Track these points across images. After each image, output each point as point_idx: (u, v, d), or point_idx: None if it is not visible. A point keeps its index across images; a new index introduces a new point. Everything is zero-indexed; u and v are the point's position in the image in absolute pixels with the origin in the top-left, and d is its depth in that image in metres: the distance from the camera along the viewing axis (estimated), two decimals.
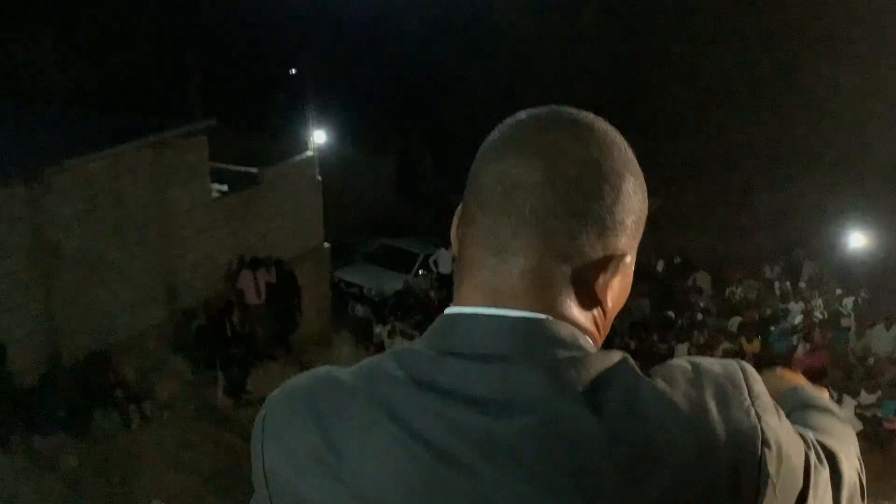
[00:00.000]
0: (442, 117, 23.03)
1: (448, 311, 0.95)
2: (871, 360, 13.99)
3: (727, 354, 13.47)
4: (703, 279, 18.05)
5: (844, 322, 15.73)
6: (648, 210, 0.99)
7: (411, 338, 14.95)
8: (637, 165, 0.98)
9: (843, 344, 14.99)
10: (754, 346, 13.86)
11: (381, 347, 14.80)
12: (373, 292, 17.75)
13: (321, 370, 0.98)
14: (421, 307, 17.37)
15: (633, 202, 0.95)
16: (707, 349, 13.97)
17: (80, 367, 11.10)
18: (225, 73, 21.04)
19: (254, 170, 14.28)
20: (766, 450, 0.89)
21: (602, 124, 0.96)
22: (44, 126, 12.43)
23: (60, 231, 10.93)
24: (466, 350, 0.90)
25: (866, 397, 12.29)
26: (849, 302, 16.68)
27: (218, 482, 10.61)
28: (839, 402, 11.60)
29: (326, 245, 15.88)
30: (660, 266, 19.17)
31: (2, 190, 10.31)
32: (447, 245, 18.69)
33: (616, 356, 0.90)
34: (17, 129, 12.08)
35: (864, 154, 19.60)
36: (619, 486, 0.83)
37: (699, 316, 16.18)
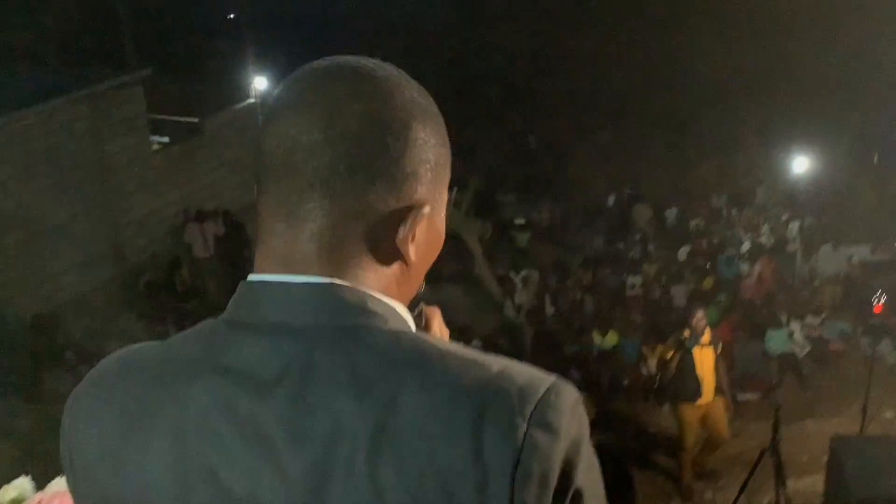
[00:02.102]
0: (388, 56, 22.67)
1: (249, 277, 0.90)
2: (816, 283, 14.30)
3: (679, 287, 13.69)
4: (643, 212, 18.20)
5: (790, 247, 16.05)
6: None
7: None
8: (431, 110, 0.92)
9: (790, 268, 15.31)
10: (707, 282, 14.05)
11: None
12: None
13: (133, 348, 0.93)
14: None
15: (424, 150, 0.89)
16: (657, 281, 14.16)
17: (27, 331, 10.89)
18: (160, 18, 20.39)
19: (195, 119, 13.97)
20: (520, 473, 0.77)
21: (385, 71, 0.91)
22: None
23: None
24: (254, 320, 0.85)
25: (812, 319, 12.57)
26: (794, 226, 17.00)
27: None
28: (787, 325, 11.90)
29: None
30: (610, 201, 19.29)
31: None
32: None
33: (408, 336, 0.85)
34: None
35: (807, 80, 19.80)
36: (364, 484, 0.77)
37: (649, 248, 16.35)
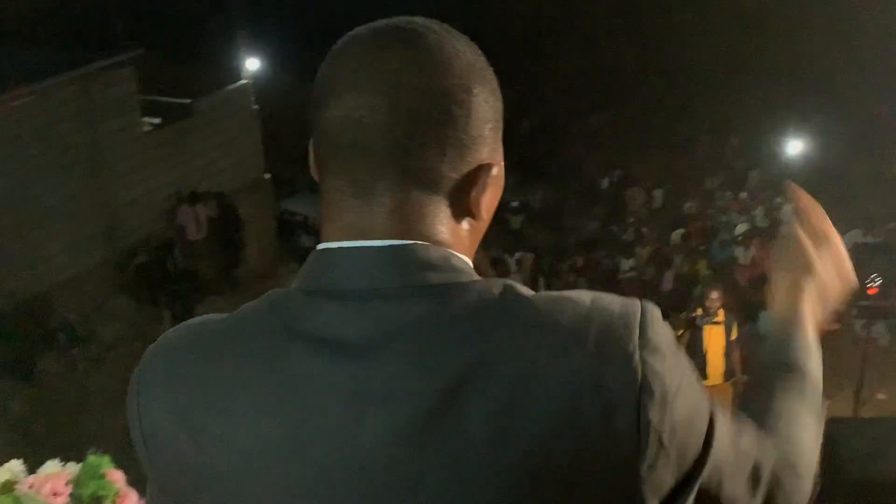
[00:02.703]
0: None
1: (319, 246, 0.90)
2: None
3: (675, 269, 13.70)
4: (636, 195, 18.19)
5: (784, 230, 16.06)
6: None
7: None
8: (485, 68, 0.92)
9: None
10: (701, 266, 14.07)
11: None
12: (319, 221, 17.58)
13: (196, 320, 0.92)
14: None
15: (486, 111, 0.90)
16: (652, 263, 14.17)
17: (19, 312, 10.84)
18: None
19: (187, 101, 13.87)
20: (645, 396, 0.81)
21: (436, 36, 0.89)
22: None
23: None
24: (334, 287, 0.85)
25: None
26: (789, 209, 17.01)
27: None
28: None
29: (267, 176, 15.60)
30: (604, 183, 19.29)
31: None
32: None
33: (497, 284, 0.85)
34: None
35: (799, 64, 19.77)
36: (488, 431, 0.78)
37: (644, 230, 16.36)
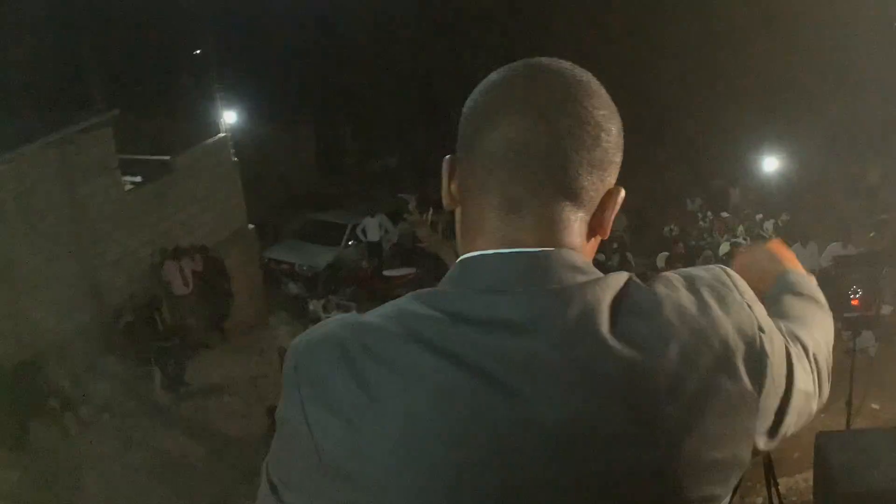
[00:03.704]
0: (354, 85, 22.74)
1: (463, 257, 1.02)
2: None
3: None
4: (618, 220, 18.26)
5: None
6: None
7: (347, 310, 14.91)
8: (614, 105, 1.06)
9: None
10: None
11: (317, 322, 14.68)
12: (304, 268, 17.57)
13: (344, 317, 1.01)
14: (354, 278, 17.29)
15: (620, 141, 1.04)
16: None
17: (9, 379, 10.75)
18: (124, 59, 20.34)
19: (166, 157, 13.93)
20: (762, 333, 1.01)
21: (580, 72, 1.04)
22: None
23: None
24: (488, 284, 0.96)
25: None
26: (769, 225, 17.17)
27: (166, 477, 10.47)
28: None
29: (251, 226, 15.63)
30: None
31: None
32: (373, 213, 18.68)
33: (624, 275, 1.00)
34: None
35: (774, 81, 20.04)
36: (656, 391, 0.92)
37: (627, 255, 16.43)
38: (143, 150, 13.95)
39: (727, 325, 0.98)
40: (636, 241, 17.80)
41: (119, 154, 12.78)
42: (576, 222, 1.01)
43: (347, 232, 18.65)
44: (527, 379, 0.90)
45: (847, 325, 7.59)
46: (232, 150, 15.26)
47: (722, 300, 1.01)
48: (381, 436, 0.91)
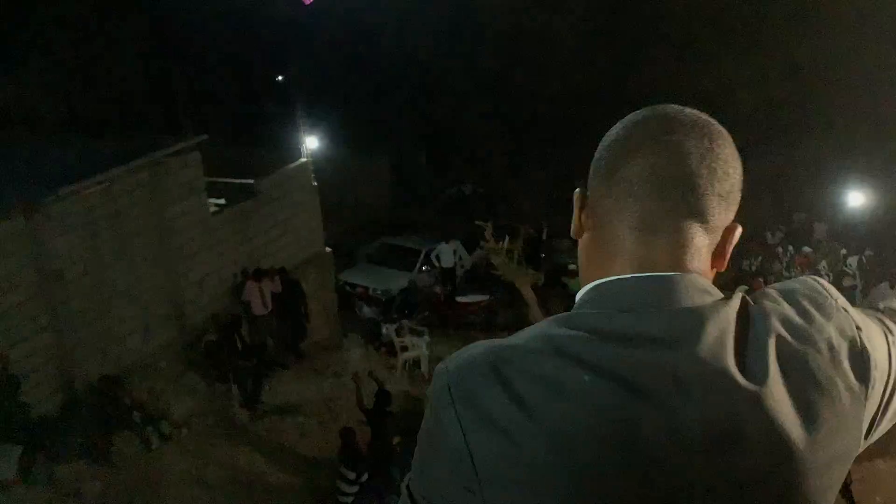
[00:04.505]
0: (430, 114, 23.02)
1: (597, 282, 1.13)
2: None
3: None
4: None
5: (848, 282, 15.74)
6: None
7: (420, 334, 15.02)
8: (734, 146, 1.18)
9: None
10: None
11: (390, 347, 14.83)
12: (378, 292, 17.78)
13: (486, 342, 1.09)
14: (427, 303, 17.41)
15: (741, 180, 1.15)
16: None
17: (95, 394, 11.13)
18: (212, 86, 21.03)
19: (250, 181, 14.30)
20: (860, 332, 1.11)
21: (708, 117, 1.16)
22: (38, 156, 12.45)
23: (63, 259, 10.96)
24: (628, 305, 1.06)
25: None
26: (853, 261, 16.69)
27: (240, 495, 10.66)
28: None
29: (328, 249, 15.90)
30: None
31: (2, 223, 10.32)
32: (447, 239, 18.77)
33: (739, 295, 1.10)
34: (11, 161, 12.09)
35: (856, 115, 19.56)
36: (782, 400, 1.02)
37: None
38: (229, 173, 14.35)
39: (829, 329, 1.10)
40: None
41: (206, 177, 13.18)
42: (703, 248, 1.12)
43: (422, 257, 18.82)
44: (672, 390, 0.99)
45: None
46: (312, 175, 15.58)
47: (820, 307, 1.12)
48: (539, 446, 0.98)
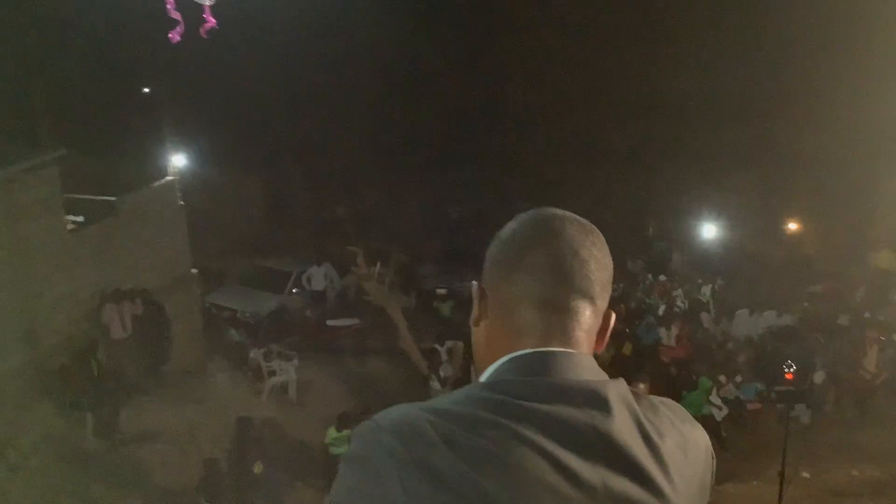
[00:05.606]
0: (306, 133, 22.82)
1: (513, 355, 1.25)
2: (730, 345, 14.74)
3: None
4: None
5: (703, 309, 16.57)
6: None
7: (289, 359, 14.77)
8: None
9: (704, 330, 15.76)
10: (626, 348, 14.34)
11: (257, 371, 14.50)
12: (247, 315, 17.39)
13: (414, 404, 1.19)
14: (297, 327, 17.14)
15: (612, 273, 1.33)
16: None
17: None
18: (73, 98, 20.12)
19: (111, 198, 13.75)
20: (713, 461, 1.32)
21: (583, 219, 1.35)
22: None
23: None
24: (544, 373, 1.21)
25: (727, 380, 12.90)
26: (707, 290, 17.57)
27: None
28: (697, 386, 12.17)
29: (194, 271, 15.46)
30: None
31: None
32: (319, 262, 18.60)
33: (622, 382, 1.24)
34: None
35: (713, 152, 20.65)
36: (669, 476, 1.20)
37: None
38: (88, 189, 13.75)
39: (699, 439, 1.31)
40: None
41: (63, 193, 12.59)
42: (594, 326, 1.30)
43: (292, 279, 18.55)
44: (594, 451, 1.15)
45: (781, 398, 7.76)
46: (178, 194, 15.13)
47: (689, 421, 1.31)
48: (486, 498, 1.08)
